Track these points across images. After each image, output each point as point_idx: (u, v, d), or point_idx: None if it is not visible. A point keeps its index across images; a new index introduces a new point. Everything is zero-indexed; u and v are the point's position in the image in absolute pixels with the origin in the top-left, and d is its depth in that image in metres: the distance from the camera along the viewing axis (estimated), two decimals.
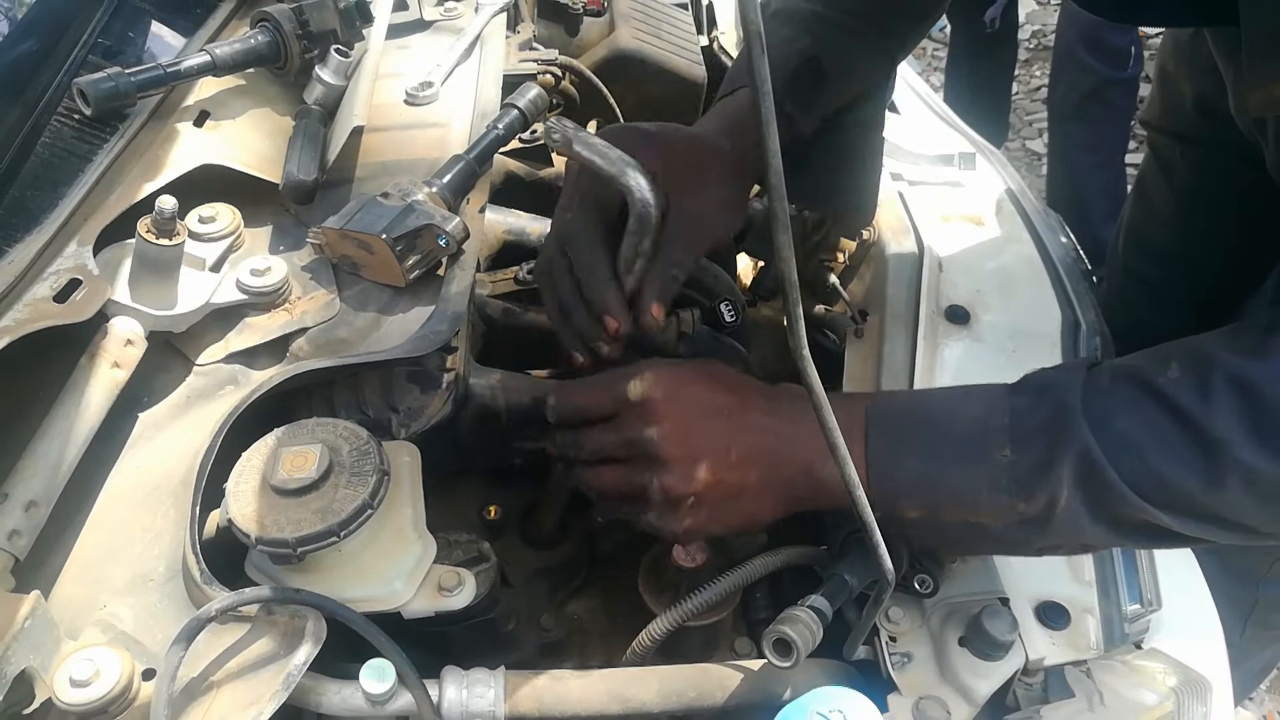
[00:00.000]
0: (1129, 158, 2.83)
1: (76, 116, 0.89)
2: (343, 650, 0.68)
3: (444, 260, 0.89)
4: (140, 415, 0.81)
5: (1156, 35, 3.23)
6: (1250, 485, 0.66)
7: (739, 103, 0.93)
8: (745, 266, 1.48)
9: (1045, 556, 0.80)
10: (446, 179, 0.92)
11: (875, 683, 0.78)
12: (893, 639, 0.80)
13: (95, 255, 0.79)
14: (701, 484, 0.75)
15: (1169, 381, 0.69)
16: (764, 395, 0.80)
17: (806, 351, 0.58)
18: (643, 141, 0.82)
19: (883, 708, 0.75)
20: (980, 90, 3.14)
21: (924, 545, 0.79)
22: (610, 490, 0.80)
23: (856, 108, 1.01)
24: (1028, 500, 0.70)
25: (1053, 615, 0.83)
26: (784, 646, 0.68)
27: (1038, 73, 3.87)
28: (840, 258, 1.17)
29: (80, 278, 0.75)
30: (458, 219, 0.87)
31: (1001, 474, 0.70)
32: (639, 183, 0.78)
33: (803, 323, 0.57)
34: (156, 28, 1.02)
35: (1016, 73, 3.62)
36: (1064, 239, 1.24)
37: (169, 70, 0.94)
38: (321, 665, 0.67)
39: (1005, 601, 0.81)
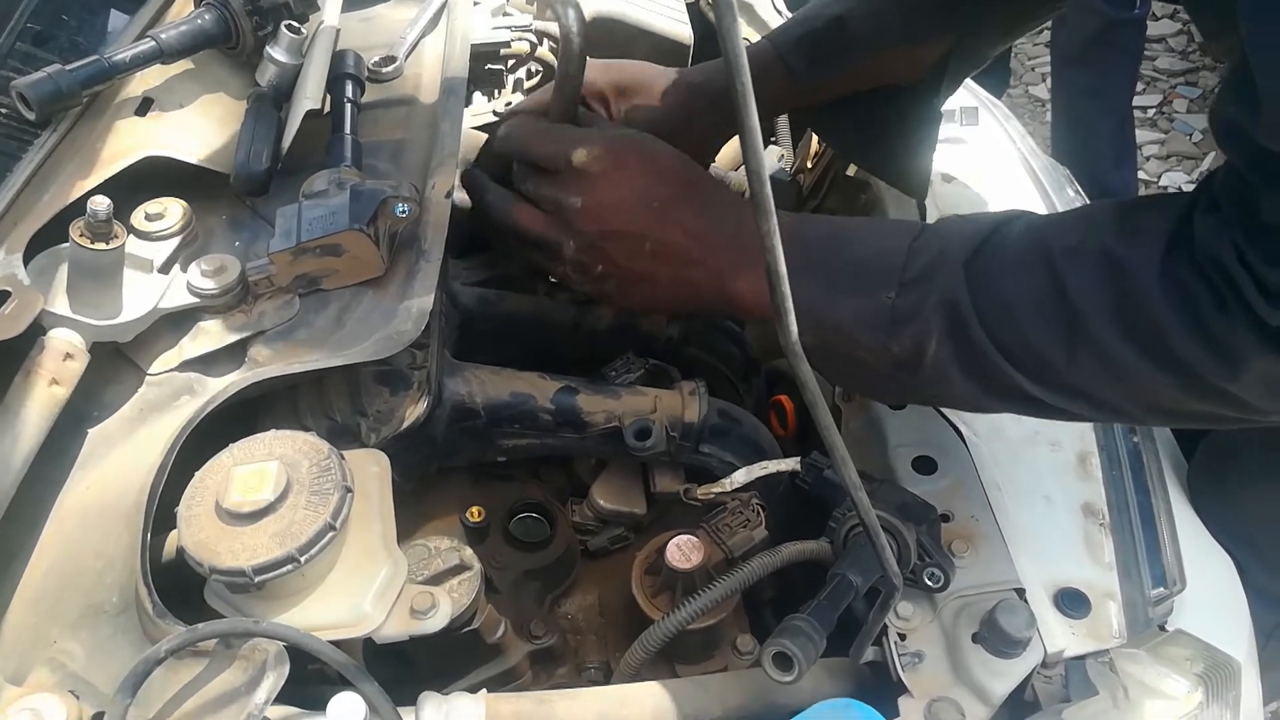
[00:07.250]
0: (1136, 100, 2.73)
1: (4, 112, 0.82)
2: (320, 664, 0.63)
3: (412, 243, 0.83)
4: (90, 431, 0.75)
5: None
6: (1101, 361, 0.65)
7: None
8: None
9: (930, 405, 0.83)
10: (348, 158, 0.88)
11: (885, 684, 0.74)
12: (902, 636, 0.75)
13: (26, 264, 0.73)
14: (611, 264, 0.79)
15: (1065, 249, 0.66)
16: (702, 193, 0.80)
17: (798, 346, 0.53)
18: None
19: (893, 711, 0.70)
20: None
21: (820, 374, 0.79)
22: (527, 233, 0.82)
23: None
24: (898, 342, 0.70)
25: (1072, 603, 0.78)
26: (784, 660, 0.63)
27: None
28: None
29: (9, 289, 0.69)
30: (405, 181, 0.83)
31: (882, 313, 0.71)
32: (569, 13, 0.81)
33: (793, 315, 0.51)
34: (94, 9, 0.95)
35: None
36: (1072, 193, 1.19)
37: (113, 62, 0.87)
38: (297, 685, 0.63)
39: (1021, 593, 0.76)
